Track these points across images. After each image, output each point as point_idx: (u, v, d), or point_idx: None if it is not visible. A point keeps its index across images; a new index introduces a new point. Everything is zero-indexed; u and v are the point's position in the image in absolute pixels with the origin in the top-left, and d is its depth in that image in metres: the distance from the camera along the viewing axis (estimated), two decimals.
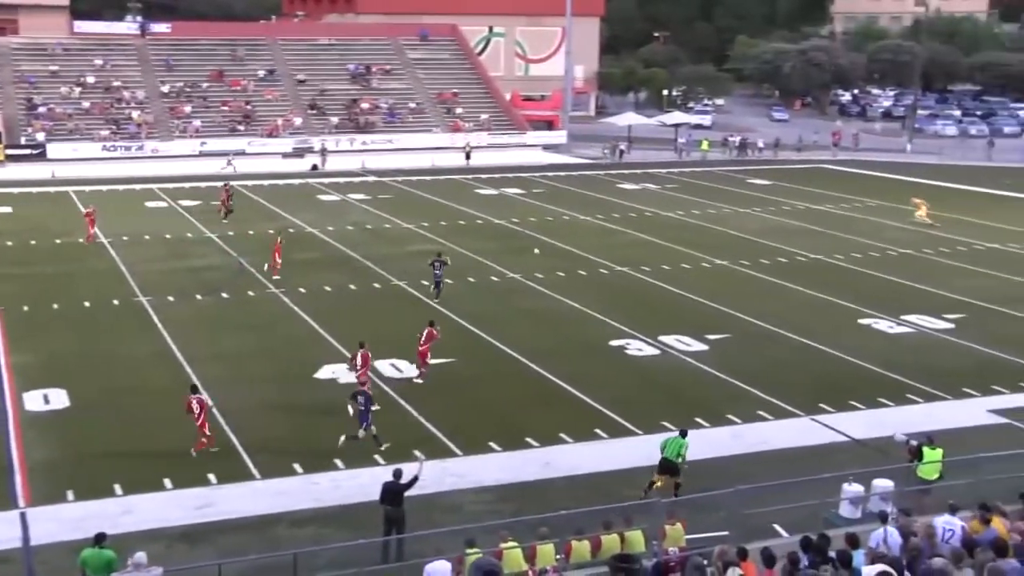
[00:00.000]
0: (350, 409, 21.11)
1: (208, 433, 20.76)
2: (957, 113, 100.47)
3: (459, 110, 76.24)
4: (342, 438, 20.77)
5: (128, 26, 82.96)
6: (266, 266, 35.52)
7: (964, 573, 11.72)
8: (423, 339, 25.20)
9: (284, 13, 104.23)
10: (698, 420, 22.81)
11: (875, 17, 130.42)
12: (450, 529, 16.18)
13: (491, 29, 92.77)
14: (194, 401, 21.02)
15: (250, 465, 20.13)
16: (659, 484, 18.58)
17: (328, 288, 34.27)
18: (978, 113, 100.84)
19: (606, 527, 15.39)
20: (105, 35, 77.52)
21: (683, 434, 19.20)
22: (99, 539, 14.13)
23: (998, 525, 13.56)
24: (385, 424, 22.28)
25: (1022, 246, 42.97)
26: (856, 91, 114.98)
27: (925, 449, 18.55)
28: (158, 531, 17.35)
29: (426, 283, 34.30)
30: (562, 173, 64.46)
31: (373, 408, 21.18)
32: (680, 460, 18.65)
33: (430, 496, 18.51)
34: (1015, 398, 24.54)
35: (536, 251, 40.26)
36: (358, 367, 23.54)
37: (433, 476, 19.06)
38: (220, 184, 49.50)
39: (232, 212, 45.75)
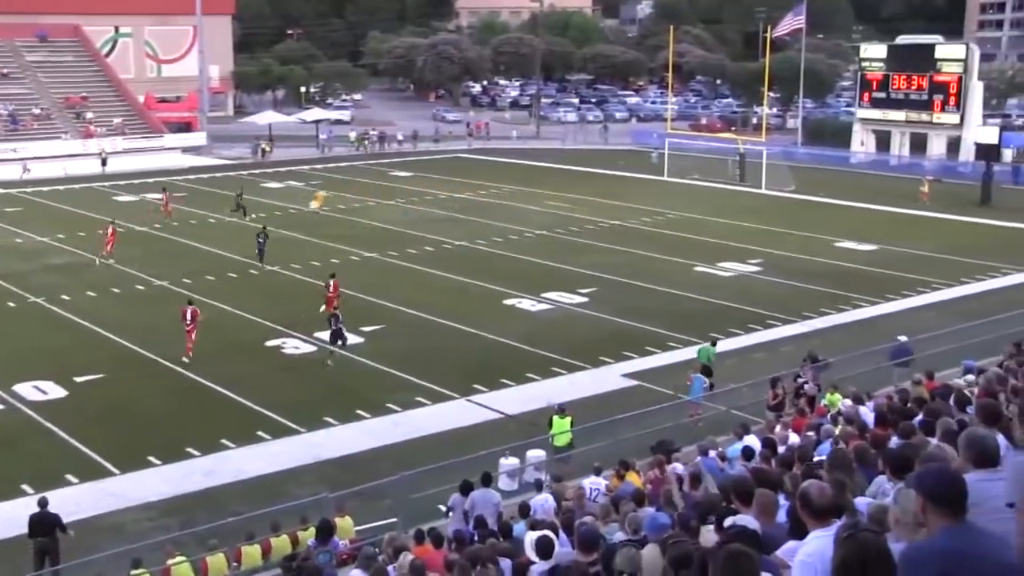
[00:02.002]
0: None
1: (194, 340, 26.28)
2: (576, 101, 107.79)
3: (90, 114, 71.77)
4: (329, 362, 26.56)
5: None
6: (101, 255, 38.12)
7: (610, 527, 12.91)
8: (331, 289, 30.06)
9: None
10: (359, 412, 23.27)
11: (497, 12, 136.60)
12: (112, 552, 15.58)
13: (117, 29, 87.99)
14: (188, 311, 26.85)
15: None
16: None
17: None
18: (593, 100, 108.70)
19: (274, 529, 15.47)
20: None
21: (713, 343, 24.98)
22: None
23: (633, 478, 15.02)
24: (34, 449, 21.06)
25: (640, 221, 46.99)
26: (485, 82, 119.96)
27: (555, 419, 20.04)
28: None
29: (66, 297, 32.59)
30: (204, 175, 62.66)
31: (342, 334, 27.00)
32: (710, 361, 23.72)
33: (89, 519, 17.72)
34: (643, 361, 26.99)
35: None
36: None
37: (90, 498, 18.25)
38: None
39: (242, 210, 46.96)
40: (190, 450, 21.06)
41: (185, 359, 26.49)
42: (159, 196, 48.83)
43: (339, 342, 27.10)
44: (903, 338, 24.63)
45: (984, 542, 4.56)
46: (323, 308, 29.08)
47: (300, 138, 77.27)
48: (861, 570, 3.97)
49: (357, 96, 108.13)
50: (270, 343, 28.38)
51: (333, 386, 25.24)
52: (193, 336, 26.86)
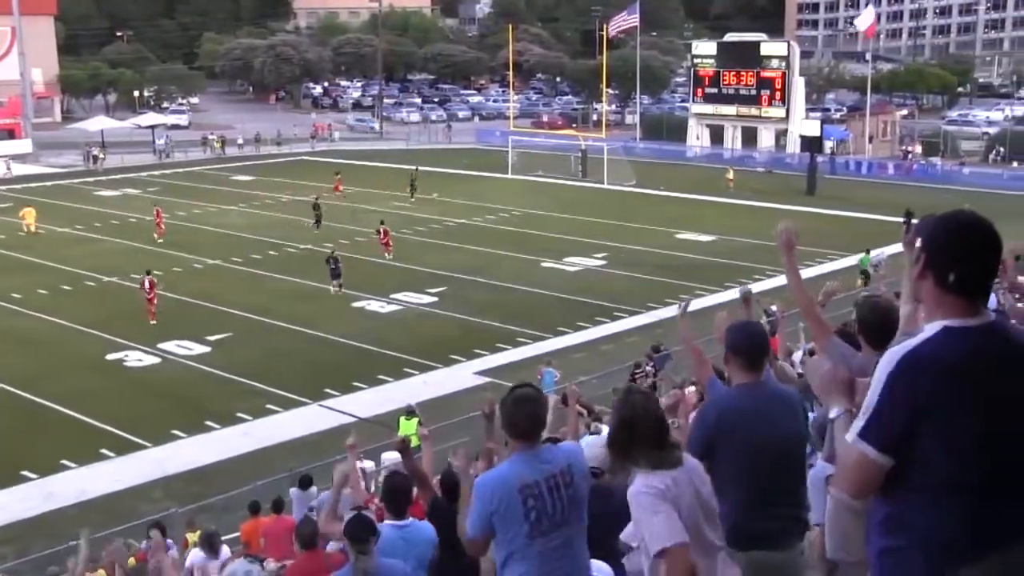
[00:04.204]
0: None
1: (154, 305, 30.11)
2: (418, 100, 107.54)
3: None
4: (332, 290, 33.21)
5: None
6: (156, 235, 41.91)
7: None
8: (383, 235, 38.63)
9: None
10: (208, 423, 22.74)
11: (335, 12, 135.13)
12: None
13: None
14: (146, 281, 30.42)
15: None
16: (860, 284, 28.31)
17: None
18: (436, 100, 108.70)
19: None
20: None
21: (867, 252, 31.85)
22: None
23: None
24: None
25: (486, 219, 47.32)
26: (326, 84, 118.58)
27: (401, 420, 20.14)
28: None
29: None
30: (32, 184, 59.82)
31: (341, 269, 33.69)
32: (868, 266, 30.87)
33: None
34: (494, 358, 27.26)
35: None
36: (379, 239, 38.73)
37: None
38: None
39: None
40: (26, 473, 20.18)
41: (153, 322, 29.96)
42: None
43: (339, 280, 33.48)
44: (774, 307, 25.59)
45: (763, 399, 5.25)
46: (386, 252, 38.22)
47: (135, 144, 74.69)
48: (632, 425, 4.41)
49: (194, 99, 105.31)
50: (111, 356, 27.44)
51: (180, 398, 24.59)
52: (154, 302, 30.43)
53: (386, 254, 38.57)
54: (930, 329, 3.31)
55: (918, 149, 66.67)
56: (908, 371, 3.23)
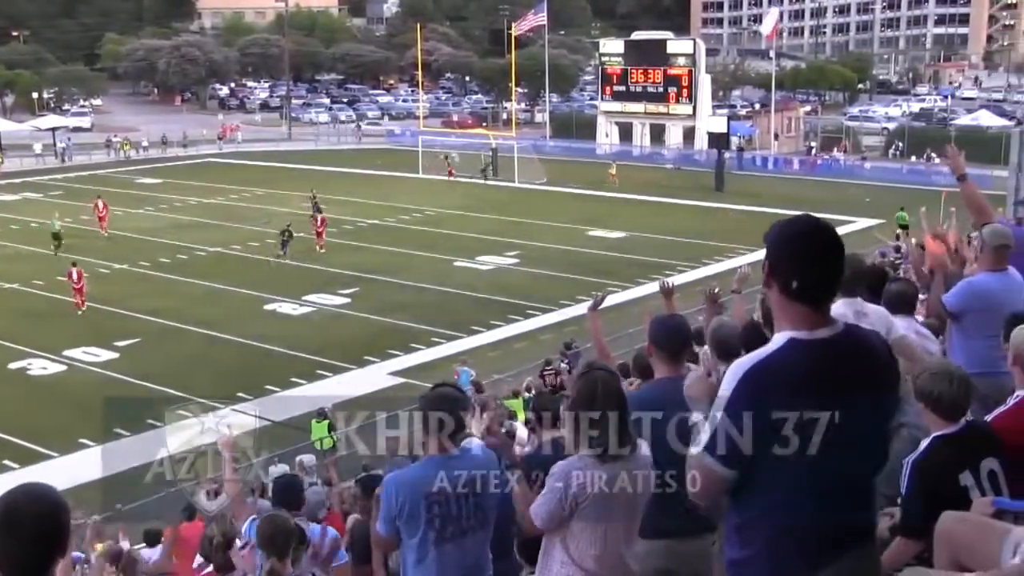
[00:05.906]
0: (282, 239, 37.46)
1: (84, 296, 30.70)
2: (327, 101, 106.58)
3: None
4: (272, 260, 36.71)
5: None
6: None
7: None
8: (320, 223, 40.10)
9: None
10: (118, 431, 22.30)
11: (241, 12, 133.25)
12: None
13: None
14: (74, 272, 30.79)
15: None
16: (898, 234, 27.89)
17: None
18: (345, 100, 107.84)
19: None
20: None
21: (902, 208, 31.34)
22: None
23: None
24: None
25: (398, 219, 47.20)
26: (233, 84, 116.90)
27: (313, 423, 20.22)
28: None
29: None
30: None
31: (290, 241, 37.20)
32: (907, 221, 29.07)
33: None
34: (409, 358, 27.25)
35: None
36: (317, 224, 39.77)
37: None
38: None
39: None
40: None
41: (80, 312, 30.75)
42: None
43: (285, 250, 37.13)
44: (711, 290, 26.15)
45: (680, 393, 5.18)
46: (318, 243, 39.50)
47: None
48: (591, 399, 4.44)
49: (97, 101, 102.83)
50: (14, 365, 26.75)
51: (87, 406, 24.02)
52: (84, 292, 31.09)
53: (319, 246, 39.49)
54: (776, 340, 3.25)
55: (844, 145, 68.27)
56: (751, 386, 3.17)
